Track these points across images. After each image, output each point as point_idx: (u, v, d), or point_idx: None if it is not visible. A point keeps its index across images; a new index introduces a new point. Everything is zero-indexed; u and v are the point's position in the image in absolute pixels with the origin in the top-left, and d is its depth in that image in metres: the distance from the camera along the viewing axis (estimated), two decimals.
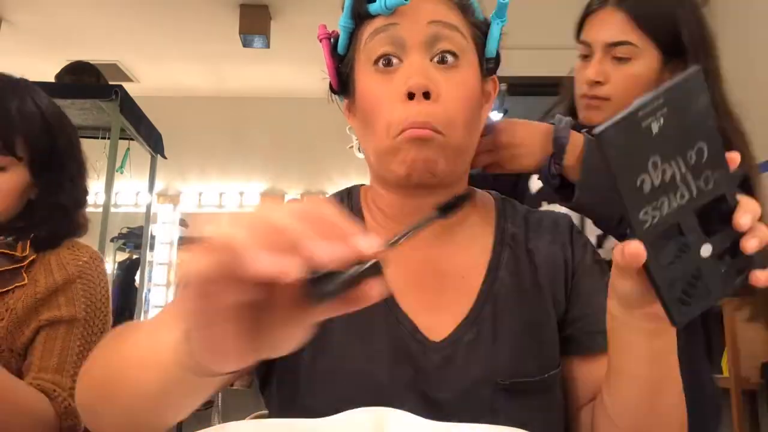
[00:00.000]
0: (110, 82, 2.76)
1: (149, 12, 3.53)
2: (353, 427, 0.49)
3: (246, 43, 3.59)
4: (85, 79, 2.70)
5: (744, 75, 2.84)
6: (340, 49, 0.68)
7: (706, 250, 0.45)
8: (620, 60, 0.95)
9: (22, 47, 3.87)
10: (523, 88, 3.27)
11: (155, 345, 0.44)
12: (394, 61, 0.62)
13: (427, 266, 0.67)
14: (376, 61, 0.63)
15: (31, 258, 0.95)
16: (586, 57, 0.99)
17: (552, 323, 0.67)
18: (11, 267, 0.93)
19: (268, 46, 3.61)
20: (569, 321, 0.68)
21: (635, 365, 0.53)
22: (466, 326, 0.64)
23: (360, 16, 0.64)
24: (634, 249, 0.42)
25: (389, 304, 0.64)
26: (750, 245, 0.43)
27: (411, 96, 0.59)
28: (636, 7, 0.95)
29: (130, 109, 2.64)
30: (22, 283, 0.92)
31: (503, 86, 3.11)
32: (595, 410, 0.62)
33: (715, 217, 0.45)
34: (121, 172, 2.92)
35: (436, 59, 0.61)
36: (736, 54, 2.91)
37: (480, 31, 0.67)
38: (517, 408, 0.61)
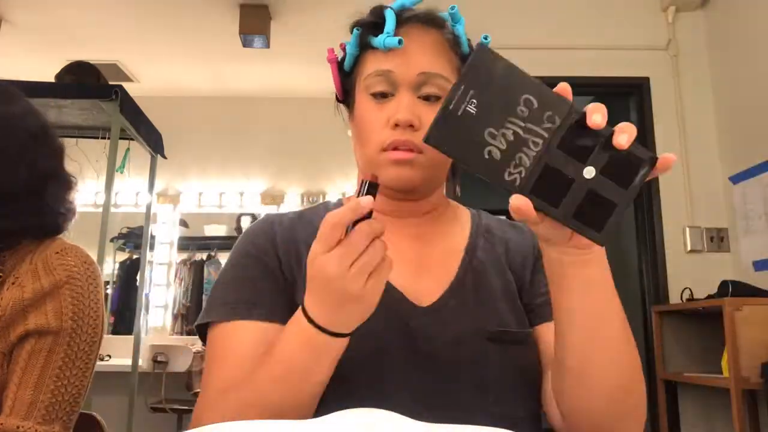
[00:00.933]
0: (110, 82, 2.76)
1: (149, 12, 3.53)
2: (344, 428, 0.48)
3: (246, 43, 3.59)
4: (85, 79, 2.70)
5: (744, 75, 2.84)
6: (346, 67, 0.80)
7: (588, 172, 0.48)
8: None
9: (22, 47, 3.87)
10: None
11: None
12: (388, 95, 0.74)
13: (412, 248, 0.77)
14: (373, 94, 0.75)
15: None
16: None
17: (518, 303, 0.76)
18: None
19: (268, 46, 3.61)
20: (535, 294, 0.77)
21: (573, 298, 0.57)
22: (450, 293, 0.73)
23: (364, 46, 0.77)
24: (516, 203, 0.48)
25: None
26: (620, 140, 0.47)
27: (397, 126, 0.72)
28: None
29: (130, 109, 2.64)
30: None
31: None
32: (551, 367, 0.67)
33: (581, 141, 0.48)
34: (121, 172, 2.92)
35: (422, 97, 0.73)
36: (736, 55, 2.91)
37: (464, 64, 0.76)
38: (506, 357, 0.70)
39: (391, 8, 0.75)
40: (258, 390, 0.61)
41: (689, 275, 2.87)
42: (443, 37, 0.76)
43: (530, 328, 0.75)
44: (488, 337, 0.70)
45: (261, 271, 0.73)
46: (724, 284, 2.45)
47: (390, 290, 0.71)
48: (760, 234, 2.67)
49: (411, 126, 0.71)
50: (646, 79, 3.13)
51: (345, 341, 0.59)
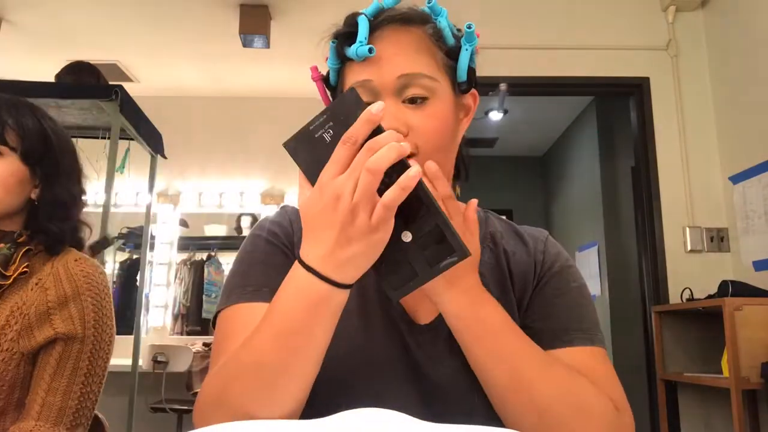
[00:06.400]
0: (110, 82, 2.75)
1: (149, 12, 3.53)
2: (351, 428, 0.48)
3: (246, 43, 3.59)
4: (85, 79, 2.69)
5: (744, 75, 2.84)
6: (332, 82, 0.77)
7: (406, 236, 0.52)
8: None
9: (22, 47, 3.87)
10: (523, 88, 3.27)
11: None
12: None
13: None
14: None
15: (17, 274, 0.96)
16: None
17: (518, 323, 0.74)
18: None
19: (268, 46, 3.61)
20: (533, 319, 0.73)
21: (462, 339, 0.63)
22: None
23: (342, 57, 0.73)
24: None
25: (381, 286, 0.70)
26: (411, 173, 0.48)
27: None
28: None
29: (130, 109, 2.64)
30: None
31: (503, 86, 3.11)
32: None
33: (413, 205, 0.51)
34: (121, 172, 2.92)
35: (407, 101, 0.69)
36: (736, 55, 2.91)
37: (450, 57, 0.72)
38: None
39: (365, 14, 0.71)
40: (257, 348, 0.56)
41: (689, 275, 2.87)
42: (424, 33, 0.71)
43: None
44: None
45: (284, 260, 0.71)
46: (724, 284, 2.45)
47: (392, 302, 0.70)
48: (760, 234, 2.67)
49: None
50: (646, 79, 3.13)
51: (345, 295, 0.53)
